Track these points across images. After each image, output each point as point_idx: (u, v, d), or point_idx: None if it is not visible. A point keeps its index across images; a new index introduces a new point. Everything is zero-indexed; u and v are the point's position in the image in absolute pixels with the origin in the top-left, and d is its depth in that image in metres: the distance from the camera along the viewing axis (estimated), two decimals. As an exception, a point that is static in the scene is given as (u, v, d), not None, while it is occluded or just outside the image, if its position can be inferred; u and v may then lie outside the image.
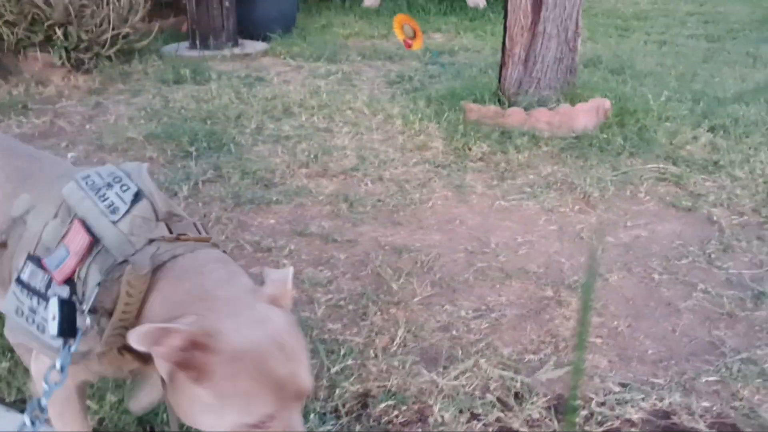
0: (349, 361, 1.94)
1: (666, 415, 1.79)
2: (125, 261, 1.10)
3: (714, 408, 1.81)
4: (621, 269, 2.48)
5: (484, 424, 1.73)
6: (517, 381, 1.88)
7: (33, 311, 1.13)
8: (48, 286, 1.13)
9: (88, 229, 1.13)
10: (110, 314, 1.10)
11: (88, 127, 3.95)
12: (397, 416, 1.76)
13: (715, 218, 2.83)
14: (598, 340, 2.09)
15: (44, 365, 1.17)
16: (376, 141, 3.64)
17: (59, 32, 4.89)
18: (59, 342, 1.09)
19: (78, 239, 1.13)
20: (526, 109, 3.64)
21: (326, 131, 3.80)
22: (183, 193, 3.00)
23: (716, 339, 2.10)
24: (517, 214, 2.90)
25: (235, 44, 6.26)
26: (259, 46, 6.34)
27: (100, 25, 5.14)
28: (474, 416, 1.76)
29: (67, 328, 1.08)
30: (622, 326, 2.16)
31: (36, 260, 1.15)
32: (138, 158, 3.44)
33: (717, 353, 2.03)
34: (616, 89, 4.19)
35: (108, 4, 5.14)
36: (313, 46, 6.07)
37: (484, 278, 2.42)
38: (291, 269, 1.16)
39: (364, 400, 1.81)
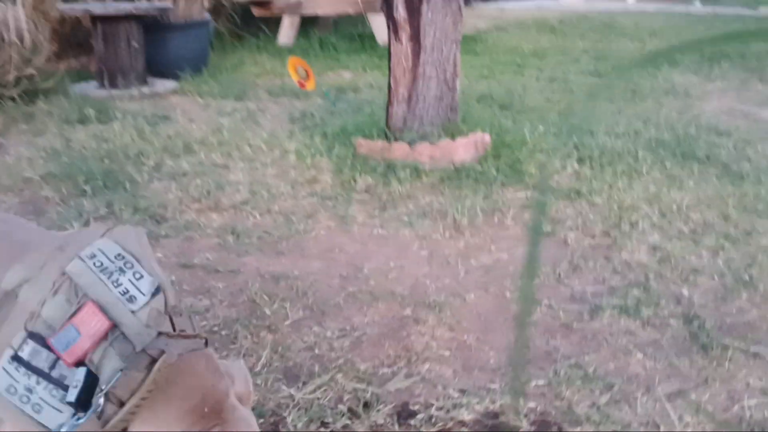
0: (216, 381, 2.10)
1: (495, 415, 2.02)
2: (143, 351, 1.11)
3: (538, 408, 2.05)
4: (479, 288, 2.74)
5: (332, 431, 1.92)
6: (367, 392, 2.09)
7: (29, 390, 1.09)
8: (53, 366, 1.09)
9: (105, 314, 1.11)
10: (121, 403, 1.09)
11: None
12: (253, 428, 1.93)
13: (569, 241, 3.13)
14: (447, 353, 2.32)
15: None
16: (270, 176, 3.84)
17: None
18: (63, 417, 1.08)
19: (94, 322, 1.10)
20: (410, 144, 3.90)
21: (223, 167, 3.98)
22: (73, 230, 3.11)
23: (552, 348, 2.35)
24: (393, 241, 3.14)
25: (144, 83, 6.37)
26: (169, 85, 6.46)
27: (2, 66, 5.19)
28: (323, 424, 1.95)
29: (84, 401, 1.07)
30: (471, 340, 2.40)
31: (39, 338, 1.10)
32: (34, 198, 3.54)
33: (550, 360, 2.28)
34: (498, 124, 4.52)
35: (10, 45, 5.21)
36: (222, 85, 6.24)
37: (353, 301, 2.62)
38: (242, 363, 1.29)
39: (224, 415, 1.97)
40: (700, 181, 3.82)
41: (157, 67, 6.70)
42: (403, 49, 3.91)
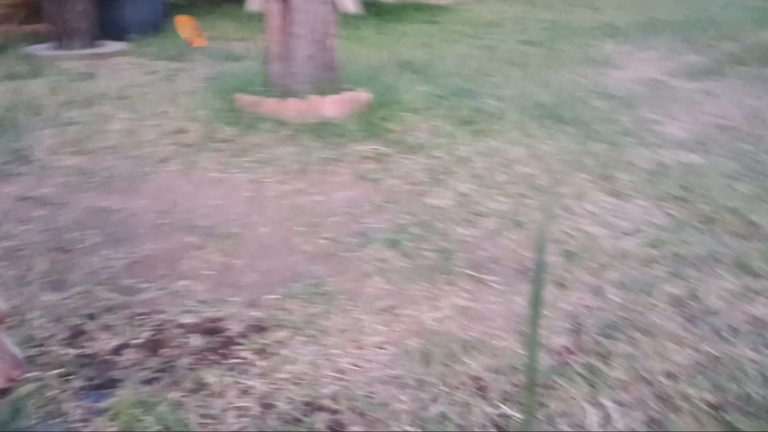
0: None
1: (214, 321, 2.30)
2: None
3: (257, 315, 2.32)
4: (275, 224, 3.01)
5: (64, 329, 2.22)
6: (114, 300, 2.38)
7: None
8: None
9: None
10: None
11: None
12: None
13: (387, 187, 3.37)
14: (208, 273, 2.60)
15: None
16: (146, 126, 4.14)
17: None
18: None
19: None
20: (280, 99, 4.16)
21: (108, 118, 4.29)
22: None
23: (306, 271, 2.62)
24: (225, 184, 3.42)
25: (92, 45, 6.71)
26: (118, 46, 6.79)
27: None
28: (62, 323, 2.25)
29: None
30: (239, 264, 2.68)
31: None
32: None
33: (295, 280, 2.55)
34: (386, 86, 4.74)
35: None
36: (165, 48, 6.55)
37: (154, 233, 2.91)
38: None
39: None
40: (549, 139, 4.02)
41: (111, 29, 7.05)
42: (274, 9, 4.15)
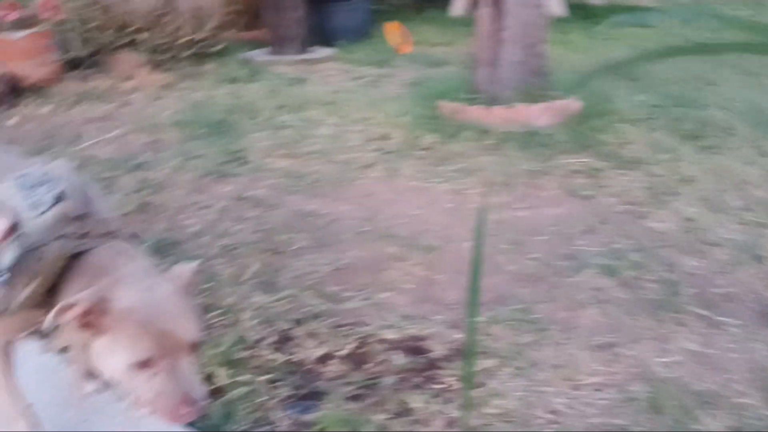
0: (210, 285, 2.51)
1: (418, 339, 2.22)
2: (39, 248, 1.36)
3: (460, 338, 2.20)
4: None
5: (274, 332, 2.25)
6: (321, 307, 2.38)
7: None
8: None
9: (13, 219, 1.37)
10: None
11: (138, 113, 4.82)
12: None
13: (599, 206, 3.11)
14: (411, 286, 2.53)
15: None
16: (351, 131, 4.20)
17: (142, 36, 5.88)
18: None
19: (2, 225, 1.38)
20: (487, 106, 4.03)
21: (318, 123, 4.41)
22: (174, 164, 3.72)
23: (513, 295, 2.46)
24: (426, 193, 3.35)
25: (304, 51, 7.02)
26: (327, 52, 7.06)
27: (178, 29, 6.08)
28: (271, 325, 2.28)
29: None
30: (441, 279, 2.58)
31: None
32: (157, 139, 4.22)
33: (503, 304, 2.40)
34: (598, 93, 4.43)
35: (185, 12, 6.09)
36: (371, 53, 6.69)
37: (357, 239, 2.91)
38: (195, 263, 1.45)
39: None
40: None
41: (321, 36, 7.34)
42: (485, 14, 4.02)
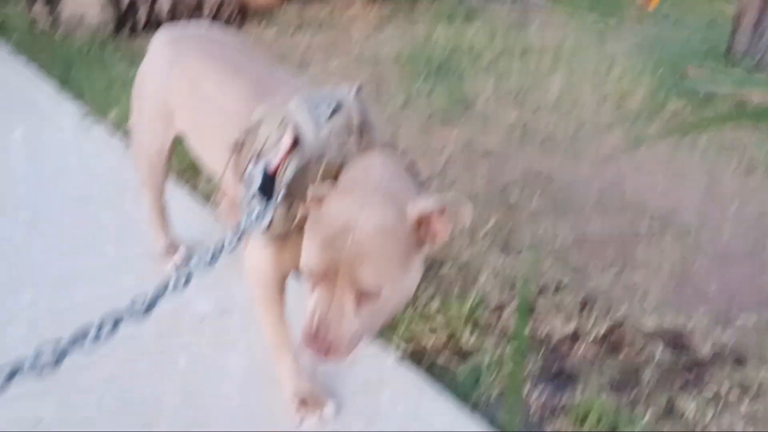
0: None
1: (678, 335, 1.99)
2: (319, 159, 1.31)
3: (730, 342, 1.95)
4: (740, 227, 2.55)
5: (515, 298, 2.12)
6: (564, 280, 2.21)
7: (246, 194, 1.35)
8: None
9: (295, 135, 1.33)
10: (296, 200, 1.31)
11: (359, 44, 4.80)
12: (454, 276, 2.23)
13: None
14: (666, 269, 2.29)
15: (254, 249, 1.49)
16: (585, 86, 3.90)
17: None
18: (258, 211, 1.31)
19: (286, 140, 1.34)
20: (747, 73, 3.57)
21: (547, 73, 4.15)
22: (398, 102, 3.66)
23: (790, 298, 2.15)
24: (675, 165, 3.03)
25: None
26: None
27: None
28: (512, 289, 2.15)
29: (267, 192, 1.30)
30: (700, 267, 2.31)
31: (257, 158, 1.37)
32: (379, 74, 4.18)
33: (778, 307, 2.10)
34: None
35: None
36: (596, 2, 6.23)
37: (600, 208, 2.68)
38: (441, 201, 1.20)
39: (430, 263, 2.29)
40: None
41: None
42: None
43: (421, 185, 1.39)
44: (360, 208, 1.19)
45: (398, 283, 1.22)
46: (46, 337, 0.96)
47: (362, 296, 1.19)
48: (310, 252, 1.22)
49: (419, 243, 1.23)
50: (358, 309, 1.20)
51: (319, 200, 1.24)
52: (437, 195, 1.19)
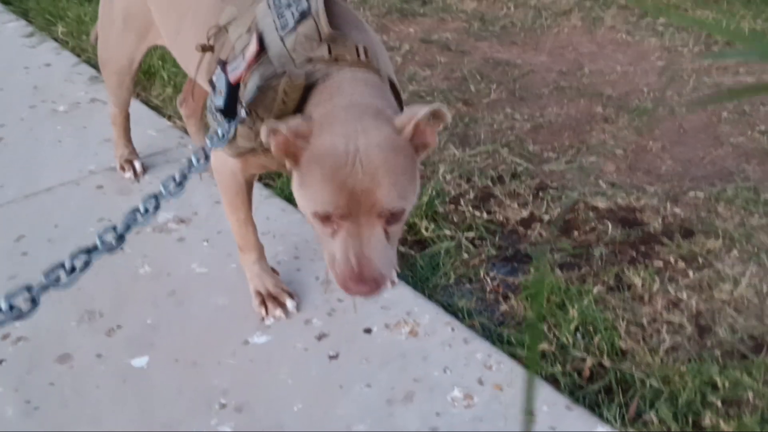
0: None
1: (631, 210, 2.05)
2: (283, 73, 1.21)
3: (681, 214, 2.01)
4: (697, 105, 2.58)
5: (473, 188, 2.15)
6: (521, 166, 2.25)
7: (212, 102, 1.30)
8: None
9: (261, 42, 1.25)
10: (260, 118, 1.24)
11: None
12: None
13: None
14: (620, 151, 2.32)
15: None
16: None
17: None
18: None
19: (251, 49, 1.25)
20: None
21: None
22: None
23: (741, 173, 2.20)
24: (632, 48, 3.02)
25: None
26: None
27: None
28: (468, 180, 2.19)
29: (230, 109, 1.24)
30: (655, 147, 2.35)
31: (222, 65, 1.27)
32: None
33: (728, 180, 2.16)
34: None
35: None
36: None
37: (557, 94, 2.69)
38: (428, 108, 1.16)
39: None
40: None
41: None
42: None
43: (398, 96, 1.33)
44: (355, 133, 1.13)
45: (413, 196, 1.21)
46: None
47: (389, 219, 1.16)
48: (322, 195, 1.14)
49: (416, 153, 1.21)
50: (388, 233, 1.17)
51: (303, 137, 1.16)
52: (422, 105, 1.15)
